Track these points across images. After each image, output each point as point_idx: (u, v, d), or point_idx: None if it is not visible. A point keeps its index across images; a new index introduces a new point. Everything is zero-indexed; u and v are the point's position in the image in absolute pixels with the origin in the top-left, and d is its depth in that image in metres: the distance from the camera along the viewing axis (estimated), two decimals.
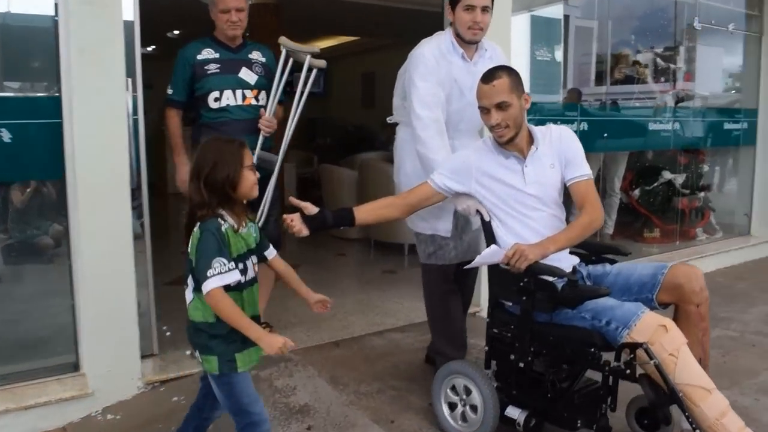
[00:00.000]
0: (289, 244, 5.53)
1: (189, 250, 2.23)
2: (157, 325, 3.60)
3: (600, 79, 6.17)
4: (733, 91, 7.32)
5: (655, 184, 6.77)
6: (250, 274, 2.32)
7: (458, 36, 3.21)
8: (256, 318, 2.33)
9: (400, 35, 6.88)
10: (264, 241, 2.46)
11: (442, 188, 2.91)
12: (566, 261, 2.76)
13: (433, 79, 3.13)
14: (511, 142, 2.76)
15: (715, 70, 7.11)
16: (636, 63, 6.63)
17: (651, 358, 2.33)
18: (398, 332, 4.25)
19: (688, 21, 6.49)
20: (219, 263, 2.13)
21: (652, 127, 6.17)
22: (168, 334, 3.84)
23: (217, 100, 3.52)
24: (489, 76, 2.74)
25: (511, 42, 4.52)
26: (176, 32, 9.45)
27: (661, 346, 2.33)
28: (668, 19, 6.59)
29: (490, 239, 2.83)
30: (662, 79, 6.64)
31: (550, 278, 2.55)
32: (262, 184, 3.07)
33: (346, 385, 3.45)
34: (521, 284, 2.58)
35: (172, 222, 7.47)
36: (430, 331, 3.63)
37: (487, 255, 2.67)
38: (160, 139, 7.02)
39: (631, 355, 2.39)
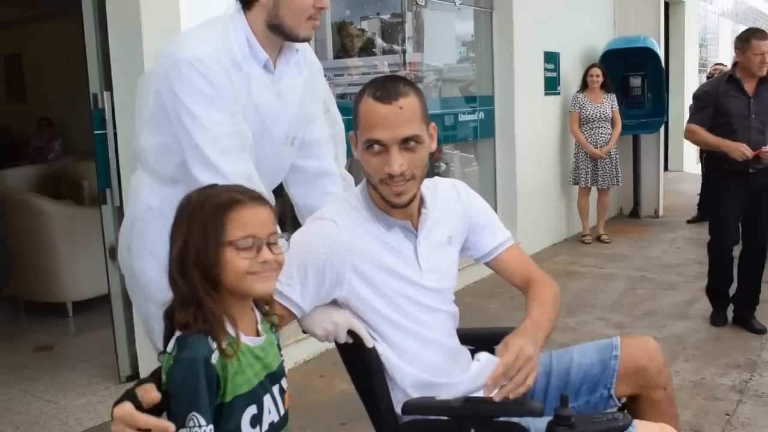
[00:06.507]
0: None
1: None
2: None
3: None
4: (468, 75, 6.69)
5: None
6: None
7: (276, 27, 2.03)
8: None
9: (55, 3, 5.84)
10: None
11: (289, 307, 1.84)
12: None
13: (228, 107, 1.97)
14: (408, 205, 1.92)
15: (445, 49, 6.38)
16: (360, 33, 5.45)
17: None
18: None
19: None
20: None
21: None
22: None
23: None
24: (389, 91, 1.79)
25: None
26: None
27: None
28: None
29: (371, 377, 1.89)
30: (388, 59, 5.59)
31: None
32: None
33: None
34: None
35: None
36: None
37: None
38: None
39: None
